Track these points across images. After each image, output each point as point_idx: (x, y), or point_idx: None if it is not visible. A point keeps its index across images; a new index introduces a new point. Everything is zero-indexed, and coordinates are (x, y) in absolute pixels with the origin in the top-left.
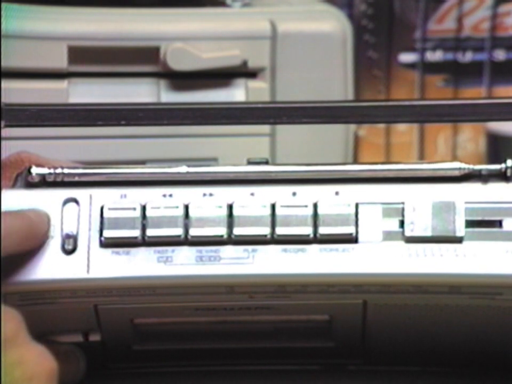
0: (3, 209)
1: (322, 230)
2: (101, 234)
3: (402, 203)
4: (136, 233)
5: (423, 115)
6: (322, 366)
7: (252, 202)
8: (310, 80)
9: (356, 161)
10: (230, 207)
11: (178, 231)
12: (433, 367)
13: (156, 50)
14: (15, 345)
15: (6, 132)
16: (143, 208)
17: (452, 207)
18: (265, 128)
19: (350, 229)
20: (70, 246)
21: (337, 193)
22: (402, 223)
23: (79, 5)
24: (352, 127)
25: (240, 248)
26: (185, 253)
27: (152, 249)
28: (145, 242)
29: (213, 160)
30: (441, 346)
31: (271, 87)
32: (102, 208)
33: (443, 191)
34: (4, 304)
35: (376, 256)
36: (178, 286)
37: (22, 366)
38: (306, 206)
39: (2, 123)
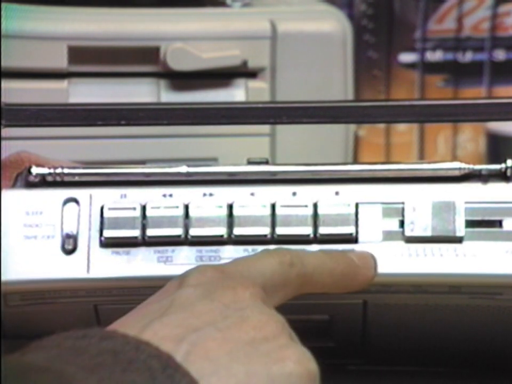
0: (3, 209)
1: (322, 230)
2: (101, 234)
3: (402, 203)
4: (136, 233)
5: (423, 115)
6: (322, 366)
7: (252, 202)
8: (310, 80)
9: (356, 161)
10: (230, 207)
11: (178, 231)
12: (433, 367)
13: (156, 50)
14: (275, 343)
15: (6, 131)
16: (143, 208)
17: (451, 207)
18: (265, 128)
19: (350, 229)
20: (70, 246)
21: (337, 193)
22: (402, 223)
23: (79, 5)
24: (352, 127)
25: (240, 248)
26: (185, 252)
27: (152, 249)
28: (145, 242)
29: (213, 160)
30: (441, 346)
31: (271, 87)
32: (102, 208)
33: (443, 191)
34: (267, 307)
35: (376, 256)
36: None
37: (281, 363)
38: (306, 206)
39: (2, 123)
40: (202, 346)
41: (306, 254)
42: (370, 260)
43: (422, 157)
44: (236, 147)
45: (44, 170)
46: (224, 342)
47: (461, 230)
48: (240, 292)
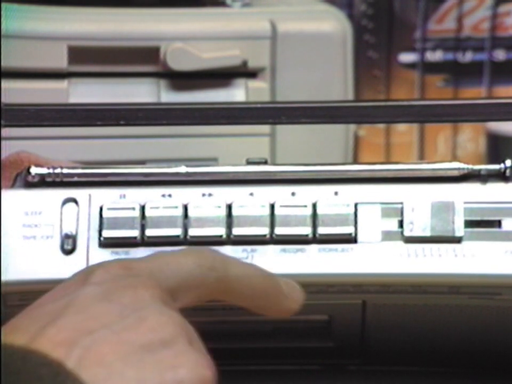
0: (3, 209)
1: (322, 230)
2: (100, 235)
3: (401, 203)
4: (135, 233)
5: (423, 115)
6: (321, 366)
7: (251, 202)
8: (310, 80)
9: (355, 161)
10: (229, 207)
11: (177, 231)
12: (433, 367)
13: (156, 50)
14: (171, 349)
15: (6, 131)
16: (142, 208)
17: (451, 207)
18: (265, 128)
19: (349, 229)
20: (69, 246)
21: (336, 193)
22: (401, 223)
23: (79, 5)
24: (352, 127)
25: (239, 248)
26: None
27: (151, 249)
28: (144, 242)
29: (213, 160)
30: (440, 346)
31: (271, 87)
32: (101, 208)
33: (442, 191)
34: (168, 308)
35: (375, 256)
36: None
37: (174, 370)
38: (305, 206)
39: (2, 123)
40: (96, 351)
41: (233, 261)
42: (299, 293)
43: (422, 157)
44: (235, 147)
45: (43, 171)
46: (118, 345)
47: (460, 230)
48: (140, 292)
